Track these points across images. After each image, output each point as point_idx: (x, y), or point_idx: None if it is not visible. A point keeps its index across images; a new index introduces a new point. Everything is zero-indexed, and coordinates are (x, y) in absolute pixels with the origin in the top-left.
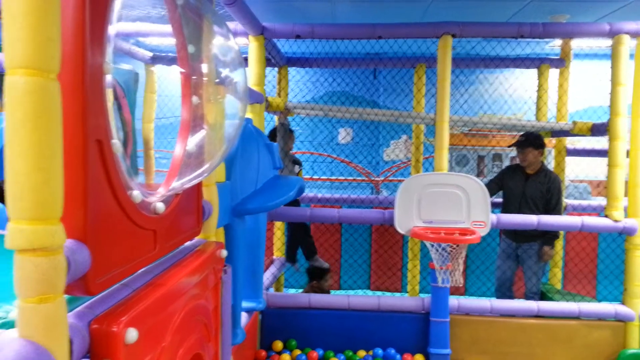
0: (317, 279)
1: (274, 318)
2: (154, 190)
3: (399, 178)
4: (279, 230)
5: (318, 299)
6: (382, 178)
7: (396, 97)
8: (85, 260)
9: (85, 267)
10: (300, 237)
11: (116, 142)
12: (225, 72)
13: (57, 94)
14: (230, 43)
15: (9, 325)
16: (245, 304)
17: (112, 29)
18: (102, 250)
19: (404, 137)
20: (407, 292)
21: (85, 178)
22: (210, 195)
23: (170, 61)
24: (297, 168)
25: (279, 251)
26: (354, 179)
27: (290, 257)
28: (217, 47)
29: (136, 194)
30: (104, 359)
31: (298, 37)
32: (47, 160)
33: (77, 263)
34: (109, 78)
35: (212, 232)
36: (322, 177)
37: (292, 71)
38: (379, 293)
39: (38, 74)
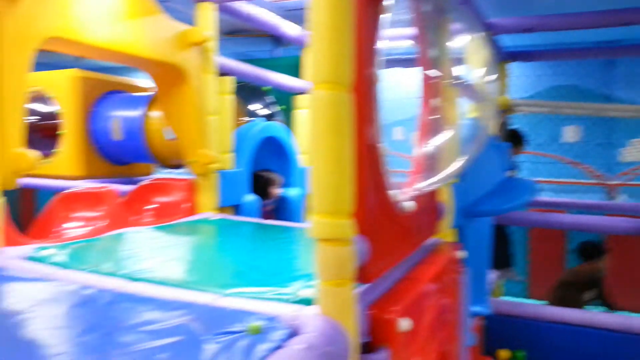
0: (591, 259)
1: (499, 325)
2: (400, 189)
3: None
4: None
5: (550, 311)
6: (620, 182)
7: (632, 89)
8: (365, 252)
9: (365, 258)
10: (495, 243)
11: (384, 146)
12: (464, 72)
13: (350, 105)
14: (472, 43)
15: (303, 302)
16: (471, 308)
17: (382, 42)
18: (374, 244)
19: None
20: None
21: (365, 179)
22: (445, 196)
23: (406, 63)
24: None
25: None
26: (583, 182)
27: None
28: (457, 48)
29: (395, 193)
30: (382, 343)
31: (527, 30)
32: (343, 163)
33: (360, 254)
34: (377, 87)
35: (447, 232)
36: (544, 179)
37: (511, 66)
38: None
39: (337, 88)
